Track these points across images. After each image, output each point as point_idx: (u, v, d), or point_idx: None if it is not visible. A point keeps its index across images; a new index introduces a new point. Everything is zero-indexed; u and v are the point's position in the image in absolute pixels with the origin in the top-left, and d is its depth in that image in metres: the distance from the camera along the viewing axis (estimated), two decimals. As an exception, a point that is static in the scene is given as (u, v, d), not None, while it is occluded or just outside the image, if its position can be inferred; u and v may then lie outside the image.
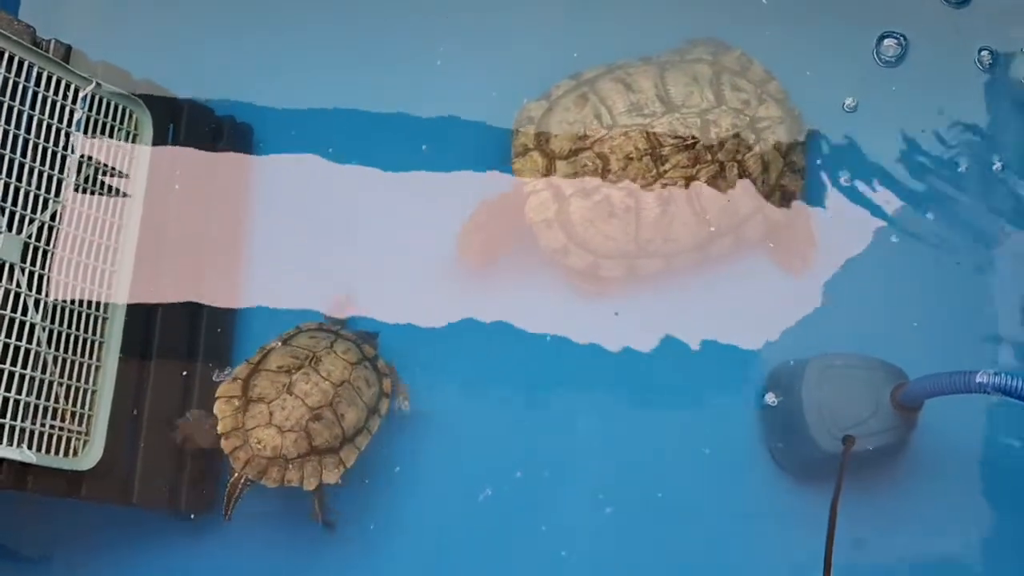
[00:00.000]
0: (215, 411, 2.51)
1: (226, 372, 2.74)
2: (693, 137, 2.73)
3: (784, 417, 2.68)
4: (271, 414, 2.47)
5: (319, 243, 2.92)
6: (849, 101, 2.96)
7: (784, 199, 2.85)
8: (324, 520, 2.60)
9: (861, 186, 2.94)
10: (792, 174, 2.85)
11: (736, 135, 2.76)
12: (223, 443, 2.48)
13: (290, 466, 2.47)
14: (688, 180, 2.74)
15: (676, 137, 2.73)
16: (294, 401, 2.48)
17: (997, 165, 2.92)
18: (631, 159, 2.72)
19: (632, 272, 2.80)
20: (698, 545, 2.70)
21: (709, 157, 2.74)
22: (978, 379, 2.27)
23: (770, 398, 2.74)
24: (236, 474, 2.47)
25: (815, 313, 2.85)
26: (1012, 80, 2.98)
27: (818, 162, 2.94)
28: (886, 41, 2.98)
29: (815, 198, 2.92)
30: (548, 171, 2.76)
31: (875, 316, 2.83)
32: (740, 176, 2.77)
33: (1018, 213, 2.89)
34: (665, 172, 2.72)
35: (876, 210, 2.92)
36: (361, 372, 2.59)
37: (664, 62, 2.87)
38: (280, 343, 2.63)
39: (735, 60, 2.90)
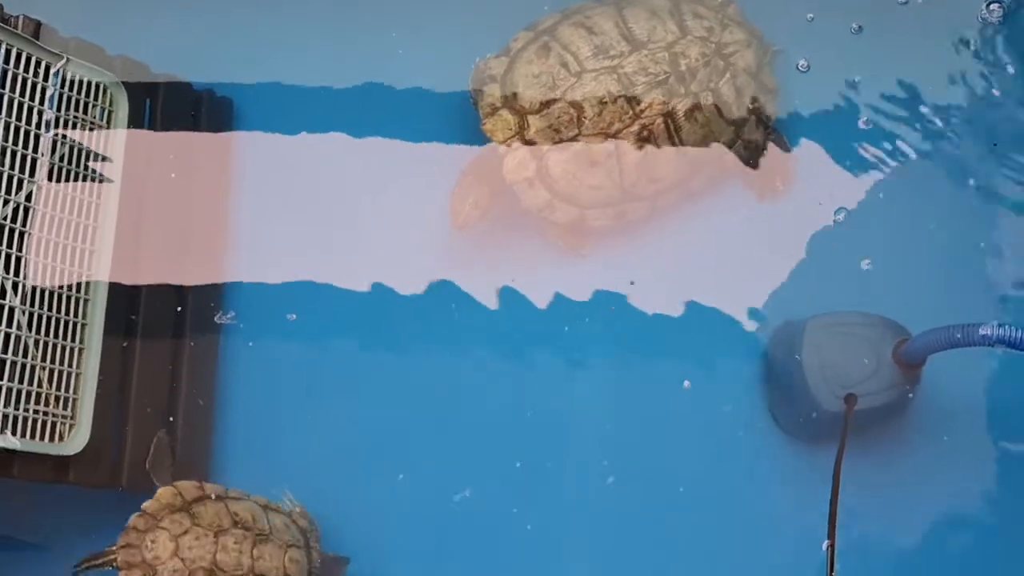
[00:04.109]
0: None
1: (230, 315, 2.72)
2: (665, 72, 2.69)
3: (785, 378, 2.64)
4: None
5: (303, 216, 2.87)
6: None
7: (760, 122, 2.81)
8: None
9: (849, 130, 2.90)
10: (765, 95, 2.82)
11: (707, 64, 2.72)
12: None
13: None
14: (666, 116, 2.70)
15: (648, 74, 2.68)
16: None
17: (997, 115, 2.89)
18: (605, 103, 2.67)
19: (620, 218, 2.76)
20: (701, 509, 2.67)
21: (683, 90, 2.70)
22: (981, 332, 2.25)
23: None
24: None
25: (814, 272, 2.81)
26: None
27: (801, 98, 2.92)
28: None
29: (794, 129, 2.89)
30: (521, 128, 2.71)
31: (874, 272, 2.78)
32: (715, 105, 2.74)
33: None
34: (642, 112, 2.68)
35: (871, 161, 2.88)
36: None
37: (620, 0, 2.82)
38: None
39: None
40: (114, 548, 2.38)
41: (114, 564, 2.38)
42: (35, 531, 2.70)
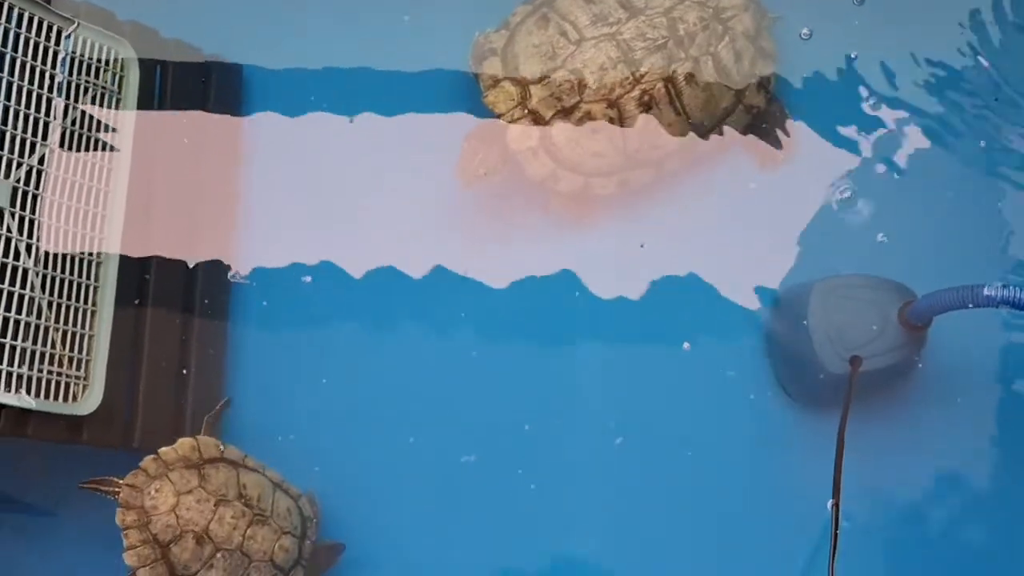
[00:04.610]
0: None
1: (243, 274, 2.73)
2: (663, 36, 2.70)
3: (791, 341, 2.65)
4: None
5: (313, 182, 2.89)
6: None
7: (760, 86, 2.82)
8: None
9: (852, 97, 2.91)
10: (763, 60, 2.83)
11: (705, 27, 2.74)
12: None
13: None
14: (666, 81, 2.71)
15: (646, 39, 2.70)
16: None
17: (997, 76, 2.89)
18: (605, 70, 2.69)
19: (624, 185, 2.78)
20: (707, 470, 2.69)
21: (682, 54, 2.72)
22: (986, 293, 2.25)
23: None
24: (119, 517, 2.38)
25: (820, 238, 2.82)
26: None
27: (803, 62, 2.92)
28: None
29: (795, 97, 2.90)
30: (523, 98, 2.73)
31: (877, 234, 2.79)
32: (715, 69, 2.75)
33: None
34: (642, 77, 2.70)
35: (876, 128, 2.88)
36: None
37: None
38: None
39: None
40: (119, 482, 2.38)
41: (115, 497, 2.38)
42: (47, 491, 2.72)
